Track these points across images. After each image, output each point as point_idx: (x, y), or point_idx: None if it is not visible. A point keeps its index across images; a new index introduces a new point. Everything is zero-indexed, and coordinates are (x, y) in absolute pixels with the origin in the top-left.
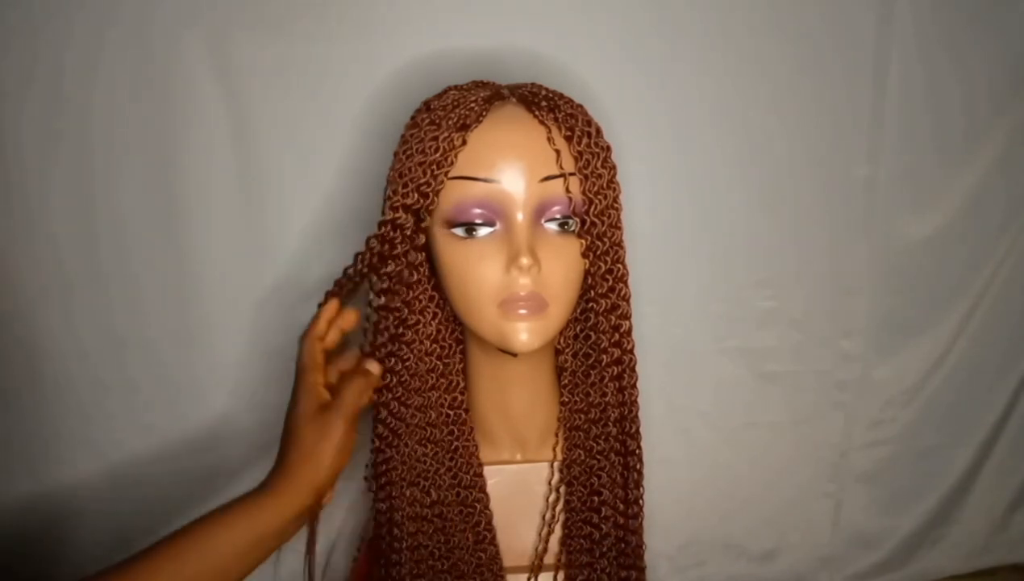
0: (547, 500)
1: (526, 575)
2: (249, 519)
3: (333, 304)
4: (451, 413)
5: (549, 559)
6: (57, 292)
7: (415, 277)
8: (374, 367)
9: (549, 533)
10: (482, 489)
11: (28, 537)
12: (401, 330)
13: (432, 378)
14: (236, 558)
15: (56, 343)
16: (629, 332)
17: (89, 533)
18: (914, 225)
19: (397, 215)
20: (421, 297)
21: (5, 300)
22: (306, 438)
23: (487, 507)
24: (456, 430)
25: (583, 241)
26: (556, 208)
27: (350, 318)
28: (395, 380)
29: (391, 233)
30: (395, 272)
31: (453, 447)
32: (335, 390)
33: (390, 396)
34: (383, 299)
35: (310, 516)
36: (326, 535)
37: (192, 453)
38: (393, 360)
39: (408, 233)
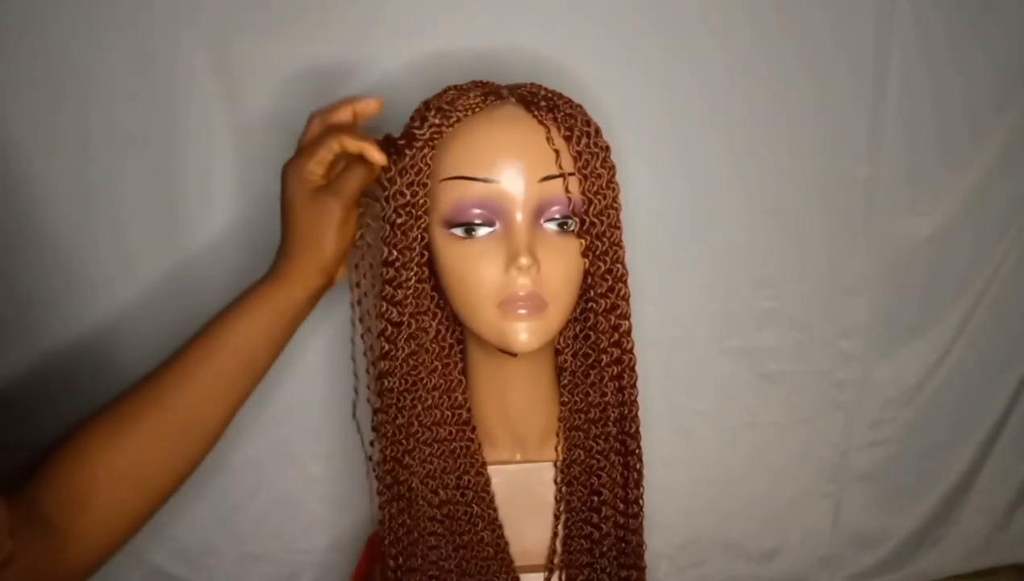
0: (547, 500)
1: (526, 575)
2: (264, 305)
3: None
4: (450, 413)
5: (549, 559)
6: (57, 292)
7: (419, 281)
8: (378, 158)
9: (553, 535)
10: (486, 488)
11: None
12: (402, 332)
13: (433, 378)
14: (262, 344)
15: (56, 343)
16: (629, 332)
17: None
18: (914, 225)
19: (396, 215)
20: (421, 297)
21: (5, 300)
22: (301, 222)
23: (492, 506)
24: (457, 430)
25: (582, 241)
26: (555, 208)
27: (372, 106)
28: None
29: (394, 236)
30: (403, 278)
31: (453, 448)
32: (336, 177)
33: (393, 398)
34: (385, 306)
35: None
36: (325, 533)
37: None
38: (396, 363)
39: (412, 233)
